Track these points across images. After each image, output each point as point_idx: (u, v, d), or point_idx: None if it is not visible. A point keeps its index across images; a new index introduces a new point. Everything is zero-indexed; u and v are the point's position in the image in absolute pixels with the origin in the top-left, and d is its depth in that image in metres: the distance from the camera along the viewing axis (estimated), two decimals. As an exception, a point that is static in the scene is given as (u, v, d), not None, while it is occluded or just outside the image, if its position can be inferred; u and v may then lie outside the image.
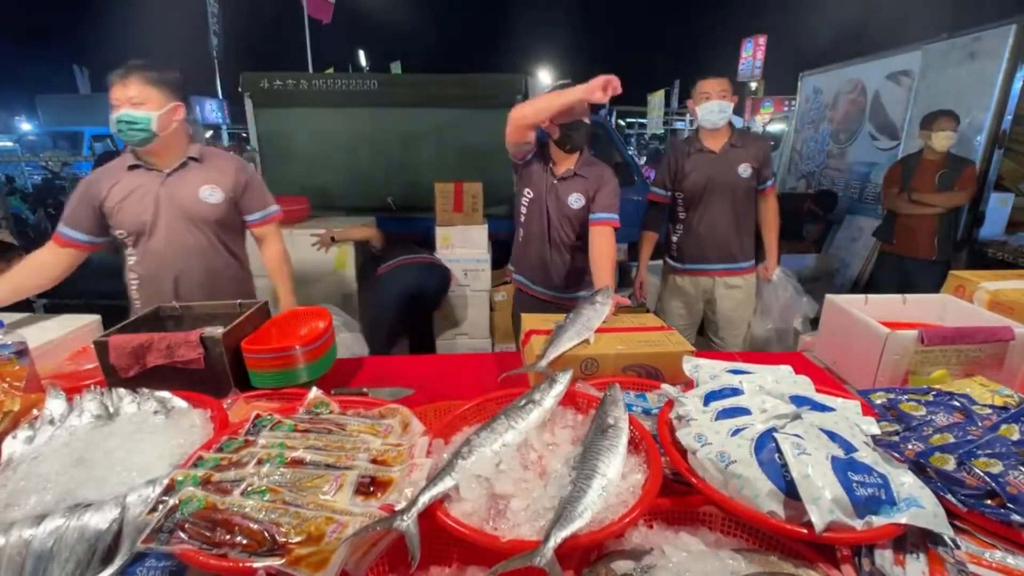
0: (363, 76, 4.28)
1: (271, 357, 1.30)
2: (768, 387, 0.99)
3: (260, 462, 0.80)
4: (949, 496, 0.78)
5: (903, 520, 0.70)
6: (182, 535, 0.66)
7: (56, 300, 3.35)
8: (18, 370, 1.14)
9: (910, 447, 0.90)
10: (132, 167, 1.69)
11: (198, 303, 1.57)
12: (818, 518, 0.68)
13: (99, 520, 0.71)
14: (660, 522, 0.83)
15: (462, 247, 3.54)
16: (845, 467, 0.74)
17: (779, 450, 0.77)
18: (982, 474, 0.77)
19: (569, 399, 1.01)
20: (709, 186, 2.37)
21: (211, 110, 14.11)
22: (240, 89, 4.06)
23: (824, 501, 0.69)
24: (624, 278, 4.43)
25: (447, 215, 3.57)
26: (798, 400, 0.94)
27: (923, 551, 0.71)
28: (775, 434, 0.80)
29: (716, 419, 0.90)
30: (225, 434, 0.91)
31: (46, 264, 1.69)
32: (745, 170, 2.35)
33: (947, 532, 0.70)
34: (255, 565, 0.62)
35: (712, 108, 2.26)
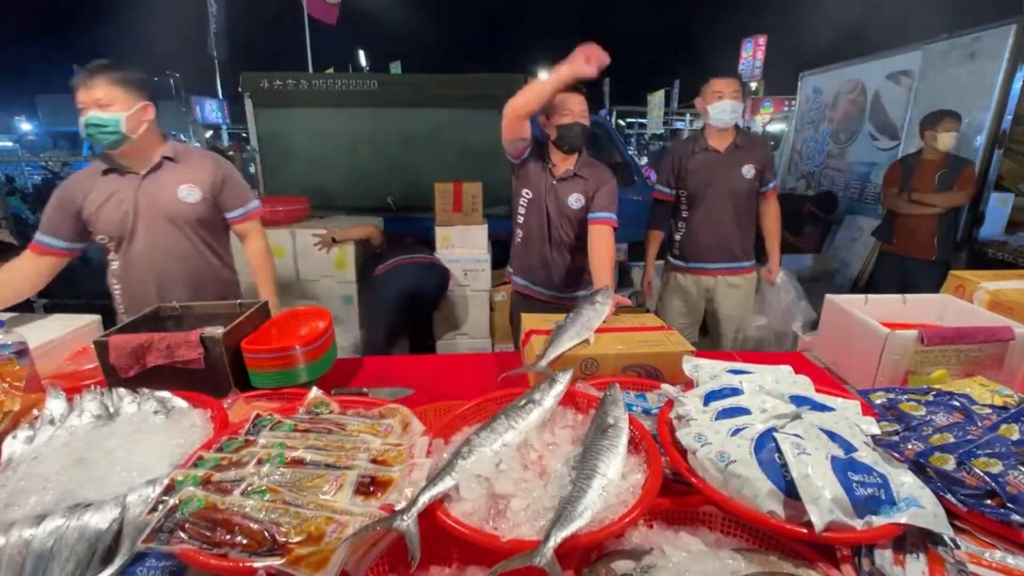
0: (363, 76, 4.29)
1: (271, 357, 1.30)
2: (768, 387, 0.99)
3: (260, 462, 0.80)
4: (949, 496, 0.78)
5: (903, 520, 0.70)
6: (182, 535, 0.66)
7: (56, 300, 3.36)
8: (18, 370, 1.14)
9: (910, 447, 0.90)
10: (106, 171, 1.66)
11: (198, 303, 1.57)
12: (818, 518, 0.68)
13: (99, 520, 0.71)
14: (660, 522, 0.83)
15: (462, 247, 3.54)
16: (845, 467, 0.74)
17: (779, 450, 0.77)
18: (982, 474, 0.77)
19: (569, 399, 1.01)
20: (713, 185, 2.38)
21: (211, 110, 14.11)
22: (240, 89, 4.06)
23: (824, 501, 0.69)
24: (624, 278, 4.43)
25: (447, 215, 3.57)
26: (798, 400, 0.94)
27: (923, 551, 0.71)
28: (775, 434, 0.80)
29: (716, 419, 0.90)
30: (225, 434, 0.91)
31: (25, 273, 1.66)
32: (748, 171, 2.36)
33: (947, 532, 0.70)
34: (255, 565, 0.62)
35: (725, 107, 2.27)
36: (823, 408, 0.92)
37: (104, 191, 1.66)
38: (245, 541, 0.65)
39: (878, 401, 1.10)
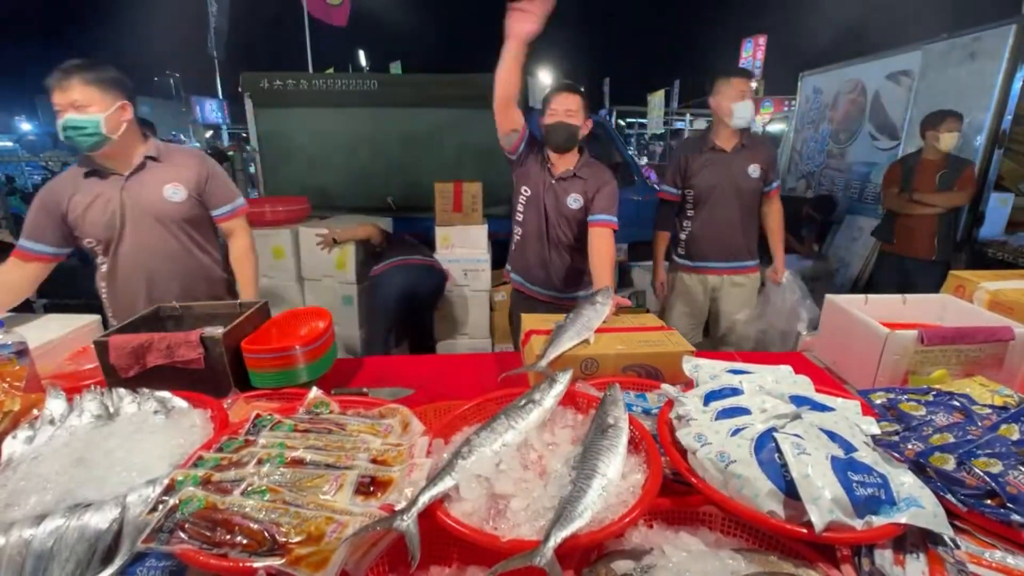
0: (363, 76, 4.29)
1: (271, 357, 1.30)
2: (768, 387, 0.99)
3: (260, 462, 0.80)
4: (949, 496, 0.78)
5: (903, 520, 0.70)
6: (182, 535, 0.66)
7: (56, 300, 3.36)
8: (18, 370, 1.14)
9: (910, 447, 0.90)
10: (88, 174, 1.64)
11: (198, 303, 1.57)
12: (818, 518, 0.68)
13: (99, 520, 0.71)
14: (660, 522, 0.82)
15: (462, 247, 3.54)
16: (845, 467, 0.74)
17: (779, 450, 0.77)
18: (982, 474, 0.77)
19: (569, 399, 1.01)
20: (720, 185, 2.39)
21: (211, 110, 14.12)
22: (240, 89, 4.06)
23: (824, 501, 0.69)
24: (624, 278, 4.43)
25: (447, 215, 3.57)
26: (798, 400, 0.94)
27: (923, 551, 0.71)
28: (775, 434, 0.80)
29: (716, 419, 0.90)
30: (225, 434, 0.91)
31: (13, 281, 1.64)
32: (755, 171, 2.38)
33: (947, 532, 0.70)
34: (255, 565, 0.62)
35: (748, 106, 2.28)
36: (823, 408, 0.92)
37: (88, 194, 1.63)
38: (245, 541, 0.65)
39: (878, 401, 1.10)
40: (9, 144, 11.51)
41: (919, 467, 0.84)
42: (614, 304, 1.51)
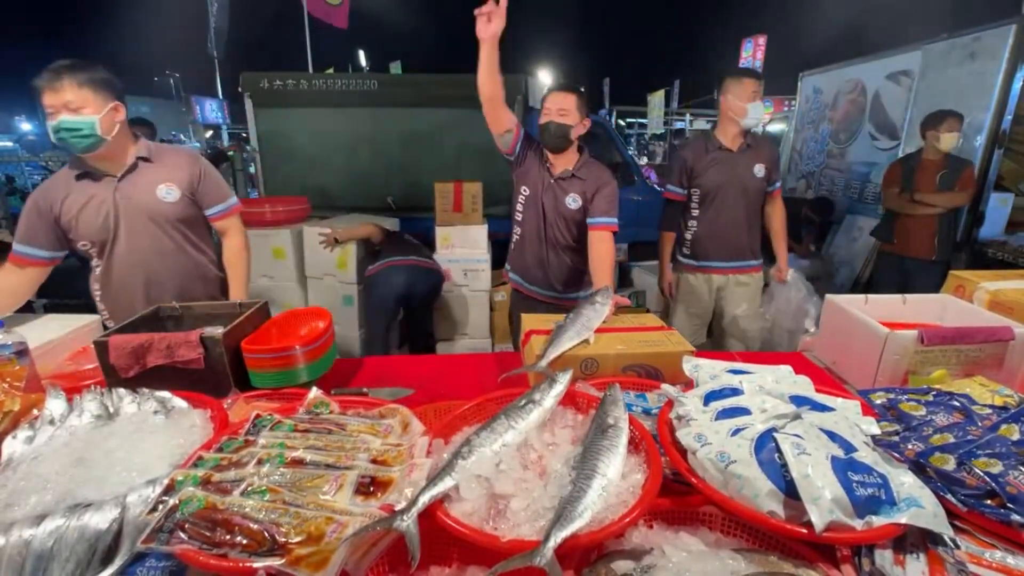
0: (363, 76, 4.29)
1: (271, 357, 1.30)
2: (768, 387, 0.99)
3: (260, 462, 0.80)
4: (949, 496, 0.78)
5: (903, 520, 0.70)
6: (182, 535, 0.66)
7: (56, 300, 3.36)
8: (18, 370, 1.14)
9: (910, 447, 0.90)
10: (81, 176, 1.63)
11: (198, 303, 1.57)
12: (818, 518, 0.68)
13: (99, 520, 0.71)
14: (660, 522, 0.82)
15: (462, 247, 3.54)
16: (845, 467, 0.74)
17: (779, 450, 0.77)
18: (982, 474, 0.77)
19: (569, 399, 1.01)
20: (726, 185, 2.39)
21: (211, 110, 14.10)
22: (240, 89, 4.07)
23: (824, 501, 0.69)
24: (624, 278, 4.43)
25: (447, 215, 3.57)
26: (798, 400, 0.94)
27: (923, 551, 0.71)
28: (775, 434, 0.80)
29: (716, 419, 0.90)
30: (225, 434, 0.91)
31: (11, 285, 1.62)
32: (760, 170, 2.38)
33: (947, 532, 0.70)
34: (255, 565, 0.62)
35: (760, 107, 2.29)
36: (823, 408, 0.92)
37: (81, 196, 1.62)
38: (245, 541, 0.65)
39: (878, 401, 1.10)
40: (9, 144, 11.51)
41: (919, 467, 0.84)
42: (614, 304, 1.51)
